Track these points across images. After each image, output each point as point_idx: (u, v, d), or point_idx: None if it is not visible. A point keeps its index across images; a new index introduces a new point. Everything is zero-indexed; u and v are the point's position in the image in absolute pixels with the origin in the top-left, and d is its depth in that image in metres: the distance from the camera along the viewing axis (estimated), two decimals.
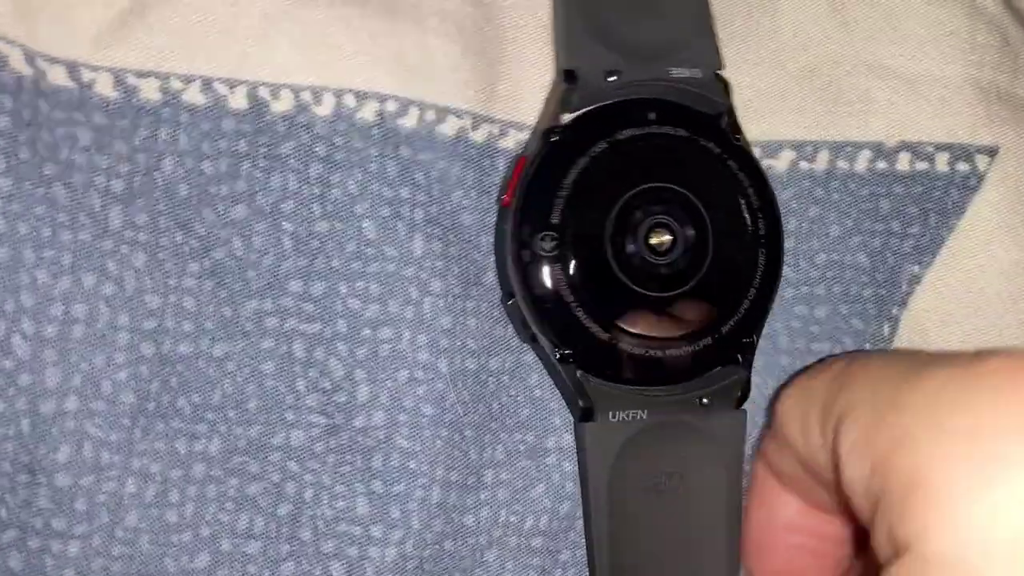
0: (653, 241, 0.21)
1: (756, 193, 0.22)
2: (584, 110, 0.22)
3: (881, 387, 0.18)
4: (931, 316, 0.25)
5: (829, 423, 0.19)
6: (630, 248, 0.21)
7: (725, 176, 0.22)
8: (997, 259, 0.25)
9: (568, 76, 0.22)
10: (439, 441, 0.22)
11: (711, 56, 0.23)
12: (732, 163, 0.22)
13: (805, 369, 0.24)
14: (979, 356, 0.17)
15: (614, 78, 0.22)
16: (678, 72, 0.22)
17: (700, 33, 0.23)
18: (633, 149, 0.22)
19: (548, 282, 0.21)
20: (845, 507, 0.20)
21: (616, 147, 0.21)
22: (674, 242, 0.22)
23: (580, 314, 0.21)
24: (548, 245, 0.21)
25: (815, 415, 0.20)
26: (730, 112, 0.23)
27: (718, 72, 0.23)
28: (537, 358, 0.23)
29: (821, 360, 0.23)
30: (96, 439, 0.21)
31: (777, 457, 0.22)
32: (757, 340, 0.23)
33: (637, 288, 0.21)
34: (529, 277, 0.21)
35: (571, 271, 0.21)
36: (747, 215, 0.22)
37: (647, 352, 0.21)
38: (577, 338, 0.21)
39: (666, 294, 0.22)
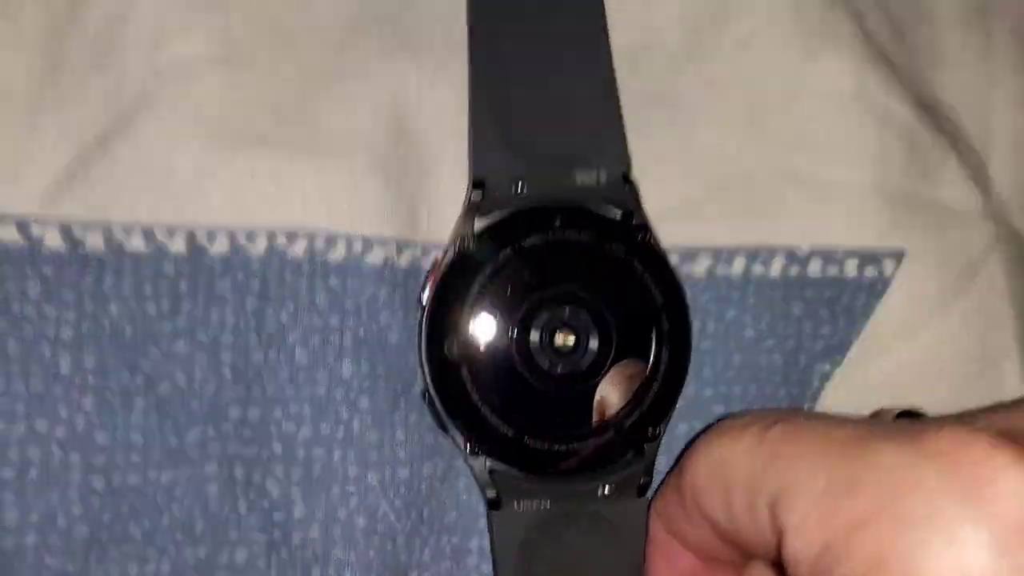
0: (557, 343, 0.23)
1: (661, 291, 0.24)
2: (492, 218, 0.23)
3: (823, 463, 0.19)
4: (841, 411, 0.27)
5: (760, 499, 0.19)
6: (534, 349, 0.23)
7: (628, 276, 0.24)
8: (901, 359, 0.26)
9: (477, 185, 0.24)
10: (372, 551, 0.24)
11: (617, 158, 0.24)
12: (637, 263, 0.24)
13: (706, 431, 0.23)
14: (920, 432, 0.18)
15: (521, 185, 0.23)
16: (583, 177, 0.24)
17: (607, 135, 0.24)
18: (537, 255, 0.23)
19: (455, 382, 0.23)
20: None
21: (521, 253, 0.23)
22: (577, 342, 0.23)
23: (486, 411, 0.23)
24: (455, 348, 0.23)
25: (740, 491, 0.20)
26: (637, 211, 0.24)
27: (625, 174, 0.24)
28: (464, 461, 0.25)
29: (725, 420, 0.22)
30: (54, 570, 0.22)
31: (685, 525, 0.23)
32: (662, 432, 0.24)
33: (540, 387, 0.23)
34: (439, 377, 0.23)
35: (476, 372, 0.23)
36: (650, 313, 0.24)
37: (550, 446, 0.23)
38: (484, 432, 0.23)
39: (569, 392, 0.24)
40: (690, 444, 0.23)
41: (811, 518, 0.18)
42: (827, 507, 0.18)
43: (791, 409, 0.24)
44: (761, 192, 0.26)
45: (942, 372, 0.27)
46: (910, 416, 0.24)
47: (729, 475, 0.20)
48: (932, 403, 0.27)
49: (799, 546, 0.18)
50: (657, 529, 0.24)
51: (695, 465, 0.22)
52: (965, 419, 0.20)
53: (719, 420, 0.22)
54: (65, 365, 0.23)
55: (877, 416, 0.25)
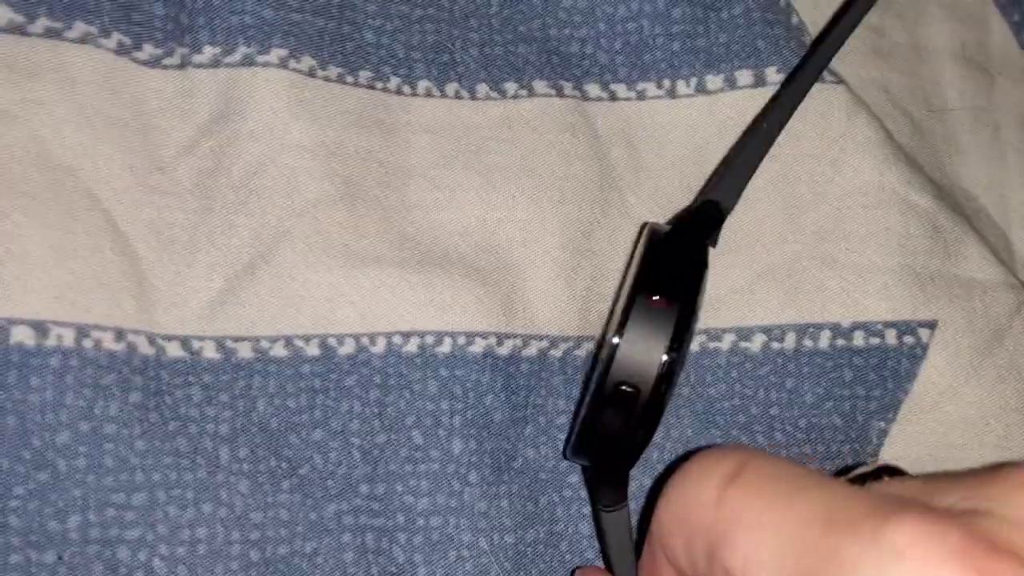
0: None
1: None
2: None
3: (783, 549, 0.18)
4: (901, 463, 0.30)
5: (716, 563, 0.19)
6: None
7: None
8: (949, 414, 0.29)
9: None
10: None
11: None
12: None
13: (683, 461, 0.22)
14: (883, 522, 0.17)
15: None
16: None
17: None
18: None
19: None
20: None
21: None
22: None
23: None
24: None
25: (700, 544, 0.20)
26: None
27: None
28: (565, 527, 0.29)
29: (692, 460, 0.21)
30: None
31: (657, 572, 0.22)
32: None
33: None
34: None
35: None
36: None
37: None
38: None
39: None
40: (663, 481, 0.23)
41: None
42: None
43: (759, 453, 0.22)
44: (803, 277, 0.30)
45: (987, 424, 0.30)
46: (889, 472, 0.25)
47: (690, 525, 0.20)
48: (983, 450, 0.30)
49: None
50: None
51: (661, 508, 0.22)
52: (938, 486, 0.19)
53: (689, 456, 0.22)
54: (224, 456, 0.27)
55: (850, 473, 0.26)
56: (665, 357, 0.24)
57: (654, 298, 0.24)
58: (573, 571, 0.29)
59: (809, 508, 0.18)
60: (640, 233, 0.29)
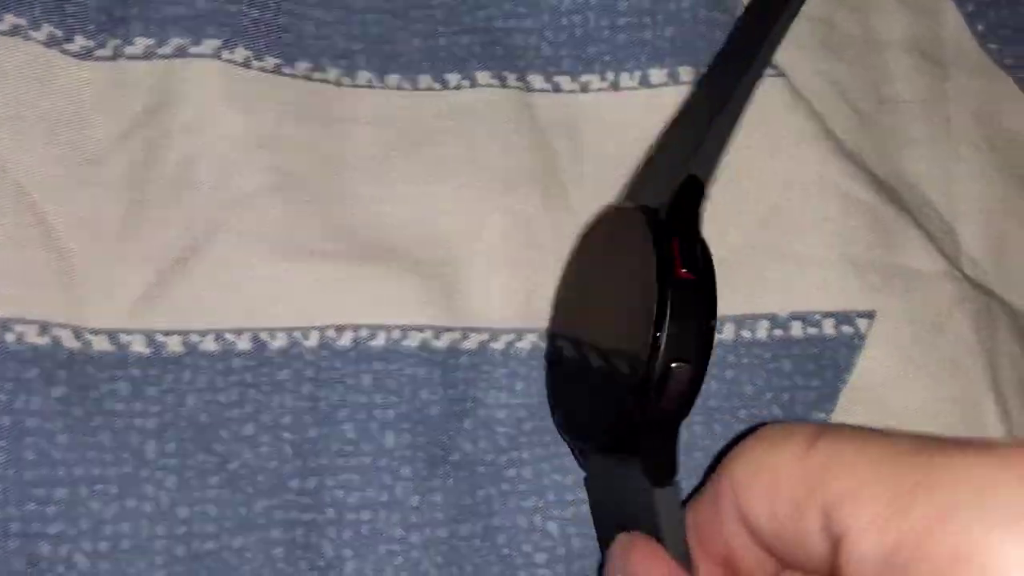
0: None
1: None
2: None
3: (890, 467, 0.18)
4: None
5: (811, 504, 0.19)
6: None
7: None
8: (888, 406, 0.29)
9: None
10: None
11: None
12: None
13: (744, 437, 0.23)
14: (987, 443, 0.18)
15: None
16: None
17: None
18: None
19: None
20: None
21: None
22: None
23: None
24: None
25: (786, 494, 0.20)
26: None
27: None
28: (502, 520, 0.28)
29: (764, 427, 0.22)
30: None
31: (719, 532, 0.23)
32: None
33: None
34: None
35: None
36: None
37: None
38: None
39: None
40: (726, 451, 0.23)
41: (881, 518, 0.18)
42: (900, 506, 0.18)
43: (829, 423, 0.24)
44: (742, 268, 0.30)
45: (926, 415, 0.29)
46: None
47: (774, 478, 0.21)
48: None
49: (866, 547, 0.18)
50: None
51: (737, 467, 0.22)
52: None
53: (756, 427, 0.23)
54: (150, 451, 0.27)
55: None
56: (709, 325, 0.24)
57: (682, 271, 0.24)
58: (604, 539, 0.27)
59: (909, 441, 0.19)
60: (602, 215, 0.28)
